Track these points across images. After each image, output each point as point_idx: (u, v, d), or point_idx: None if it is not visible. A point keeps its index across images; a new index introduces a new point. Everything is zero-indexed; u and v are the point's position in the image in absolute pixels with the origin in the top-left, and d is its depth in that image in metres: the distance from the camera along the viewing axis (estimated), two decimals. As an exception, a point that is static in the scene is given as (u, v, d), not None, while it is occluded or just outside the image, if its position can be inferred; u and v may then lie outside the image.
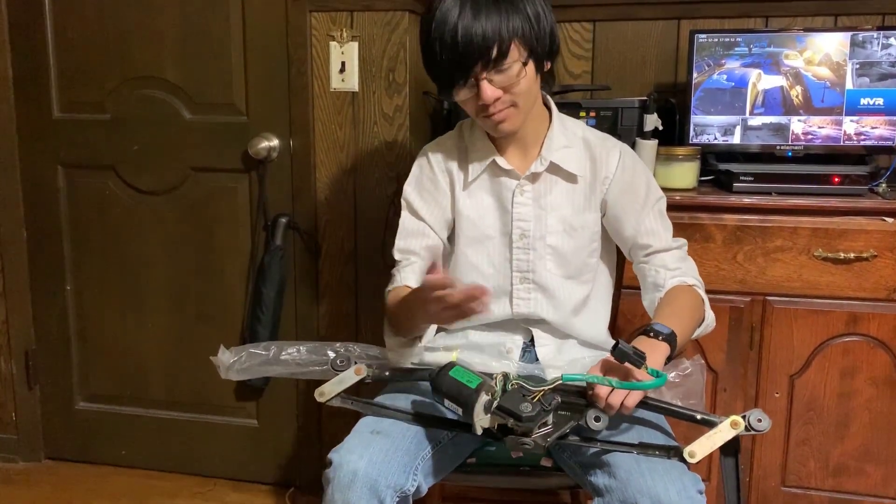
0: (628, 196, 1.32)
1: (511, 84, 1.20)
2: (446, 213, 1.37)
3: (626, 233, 1.33)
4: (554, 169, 1.32)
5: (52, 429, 2.33)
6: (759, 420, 1.03)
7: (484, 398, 1.04)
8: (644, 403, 1.08)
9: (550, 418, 1.03)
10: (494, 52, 1.17)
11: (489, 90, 1.19)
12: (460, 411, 1.06)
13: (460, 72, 1.19)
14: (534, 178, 1.32)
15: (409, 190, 1.39)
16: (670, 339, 1.12)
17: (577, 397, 1.08)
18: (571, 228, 1.33)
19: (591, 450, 1.13)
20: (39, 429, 2.33)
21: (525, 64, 1.20)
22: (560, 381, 1.05)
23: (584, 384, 1.07)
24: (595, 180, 1.33)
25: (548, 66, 1.29)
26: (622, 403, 1.04)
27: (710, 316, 1.31)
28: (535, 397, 1.02)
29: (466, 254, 1.36)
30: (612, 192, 1.33)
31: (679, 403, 1.14)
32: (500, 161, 1.32)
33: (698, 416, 1.08)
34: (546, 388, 1.04)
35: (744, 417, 1.04)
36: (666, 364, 1.12)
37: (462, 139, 1.39)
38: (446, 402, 1.09)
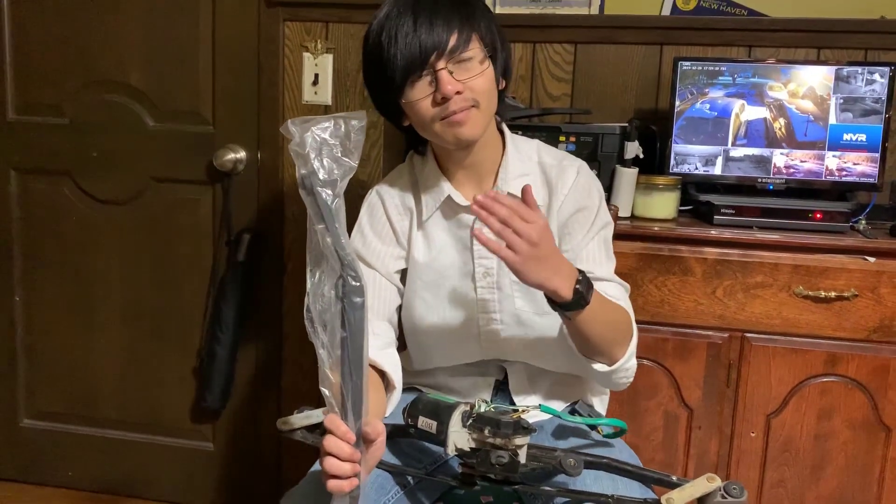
0: (576, 215, 1.23)
1: (471, 77, 1.12)
2: (400, 257, 1.27)
3: (566, 253, 1.22)
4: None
5: (-6, 447, 2.21)
6: (735, 488, 0.98)
7: (462, 408, 1.02)
8: (619, 469, 1.04)
9: (525, 449, 0.99)
10: (454, 39, 1.10)
11: (450, 81, 1.11)
12: (434, 426, 1.02)
13: (417, 63, 1.10)
14: None
15: (357, 238, 1.26)
16: (586, 278, 1.05)
17: (550, 450, 1.03)
18: None
19: (564, 500, 1.07)
20: (-20, 447, 2.21)
21: (485, 59, 1.14)
22: (537, 408, 1.05)
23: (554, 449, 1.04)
24: (552, 205, 1.24)
25: (502, 84, 1.21)
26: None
27: (631, 362, 1.16)
28: (514, 416, 0.99)
29: (425, 298, 1.26)
30: (563, 209, 1.24)
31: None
32: (456, 196, 1.23)
33: (674, 478, 1.03)
34: (524, 408, 1.03)
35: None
36: (570, 309, 1.05)
37: (413, 173, 1.30)
38: (420, 419, 1.04)
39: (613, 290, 1.20)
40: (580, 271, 1.05)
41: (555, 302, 1.05)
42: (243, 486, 2.08)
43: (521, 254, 0.99)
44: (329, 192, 0.83)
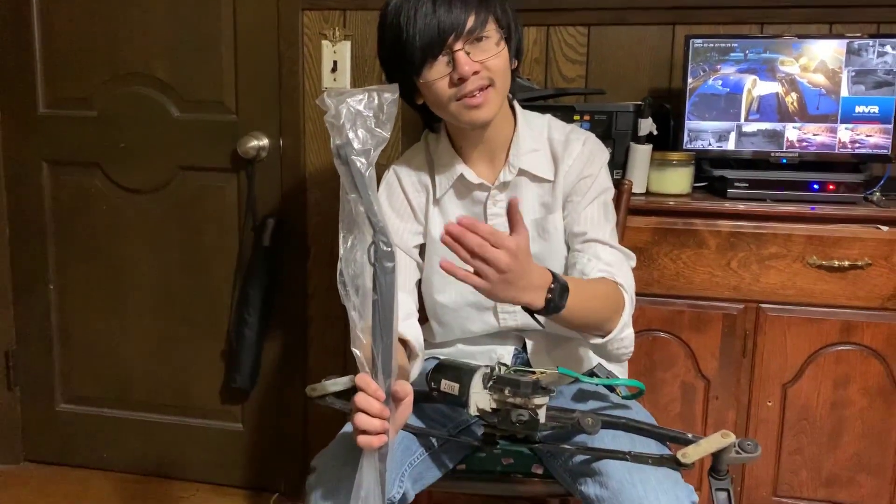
0: (578, 183, 1.26)
1: (488, 58, 1.15)
2: (418, 233, 1.32)
3: (567, 218, 1.27)
4: (523, 174, 1.28)
5: (32, 430, 2.29)
6: (749, 444, 1.01)
7: (483, 371, 1.05)
8: (636, 428, 1.08)
9: (545, 409, 1.02)
10: (472, 20, 1.13)
11: (467, 62, 1.14)
12: (457, 389, 1.05)
13: (435, 44, 1.13)
14: (504, 186, 1.28)
15: None
16: (560, 283, 1.02)
17: (569, 411, 1.07)
18: (544, 231, 1.28)
19: (582, 457, 1.11)
20: (19, 430, 2.29)
21: (501, 40, 1.17)
22: (556, 371, 1.06)
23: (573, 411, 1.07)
24: (557, 176, 1.28)
25: (515, 64, 1.24)
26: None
27: (625, 333, 1.14)
28: (533, 377, 1.03)
29: (442, 273, 1.30)
30: (568, 179, 1.27)
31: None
32: (468, 174, 1.27)
33: (689, 436, 1.06)
34: (542, 371, 1.05)
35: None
36: (544, 312, 1.02)
37: (429, 152, 1.33)
38: (443, 382, 1.07)
39: (607, 255, 1.22)
40: (554, 276, 1.02)
41: (527, 308, 1.03)
42: (272, 465, 2.13)
43: (490, 280, 0.97)
44: (363, 160, 0.86)
